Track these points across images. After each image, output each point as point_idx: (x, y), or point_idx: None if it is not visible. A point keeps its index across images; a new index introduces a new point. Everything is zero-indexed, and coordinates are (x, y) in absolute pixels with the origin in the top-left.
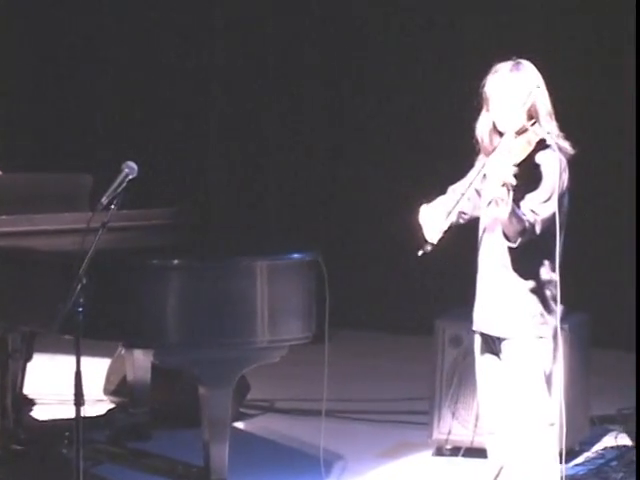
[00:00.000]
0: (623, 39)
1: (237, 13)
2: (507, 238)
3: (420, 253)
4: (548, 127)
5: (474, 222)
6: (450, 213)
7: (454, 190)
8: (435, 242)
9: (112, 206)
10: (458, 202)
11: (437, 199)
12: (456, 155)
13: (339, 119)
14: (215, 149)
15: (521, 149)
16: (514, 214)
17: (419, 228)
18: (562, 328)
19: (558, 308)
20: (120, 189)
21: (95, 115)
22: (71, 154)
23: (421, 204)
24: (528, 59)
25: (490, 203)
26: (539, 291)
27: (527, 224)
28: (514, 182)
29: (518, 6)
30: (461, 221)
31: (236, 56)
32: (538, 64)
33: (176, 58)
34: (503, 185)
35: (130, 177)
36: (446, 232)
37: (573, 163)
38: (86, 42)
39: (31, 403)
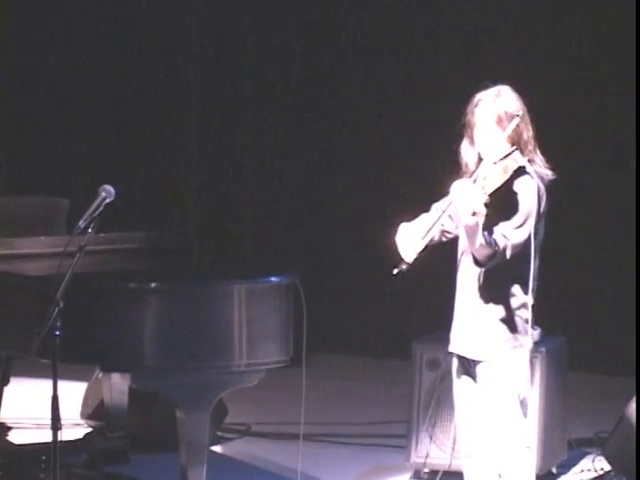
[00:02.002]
0: (613, 57)
1: (214, 29)
2: (476, 261)
3: (395, 272)
4: (529, 154)
5: (452, 244)
6: (425, 235)
7: (437, 208)
8: (410, 262)
9: (89, 230)
10: (433, 225)
11: (418, 217)
12: (436, 177)
13: (317, 142)
14: (192, 173)
15: (497, 177)
16: (484, 240)
17: (396, 247)
18: (539, 351)
19: (529, 331)
20: (97, 213)
21: (73, 138)
22: (48, 178)
23: (401, 225)
24: (509, 84)
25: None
26: (513, 314)
27: (496, 249)
28: (484, 212)
29: (502, 27)
30: (444, 239)
31: (213, 77)
32: (520, 87)
33: (153, 81)
34: (473, 214)
35: (107, 201)
36: (422, 252)
37: (549, 186)
38: (63, 63)
39: (8, 427)
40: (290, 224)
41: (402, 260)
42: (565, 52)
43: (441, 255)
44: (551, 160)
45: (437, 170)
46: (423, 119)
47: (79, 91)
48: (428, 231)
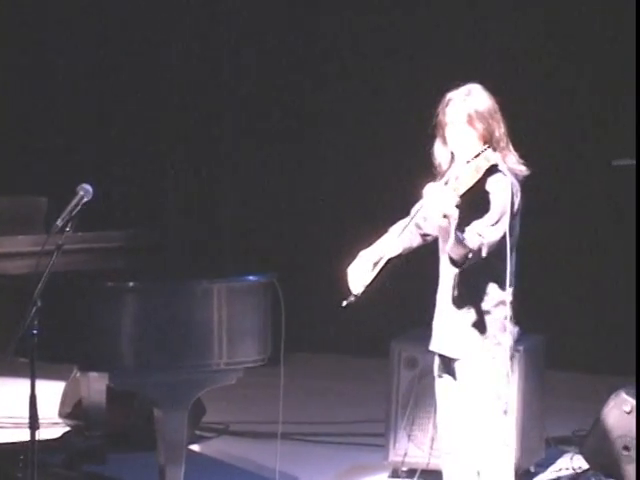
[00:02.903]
0: (610, 51)
1: (193, 31)
2: (452, 261)
3: (344, 304)
4: (502, 151)
5: (432, 243)
6: (375, 266)
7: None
8: (358, 294)
9: (67, 229)
10: (381, 258)
11: (377, 241)
12: (418, 179)
13: (297, 141)
14: (170, 171)
15: (469, 177)
16: (458, 240)
17: (346, 277)
18: (517, 349)
19: (509, 328)
20: (75, 212)
21: (50, 137)
22: (26, 177)
23: (360, 253)
24: (481, 82)
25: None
26: (491, 312)
27: (472, 249)
28: (455, 214)
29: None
30: (424, 242)
31: (192, 77)
32: (495, 85)
33: (132, 79)
34: (444, 217)
35: (85, 199)
36: (370, 285)
37: (525, 183)
38: (41, 63)
39: None
40: (268, 222)
41: (350, 292)
42: (560, 46)
43: (420, 254)
44: (528, 157)
45: (419, 172)
46: (405, 120)
47: (57, 90)
48: (377, 261)
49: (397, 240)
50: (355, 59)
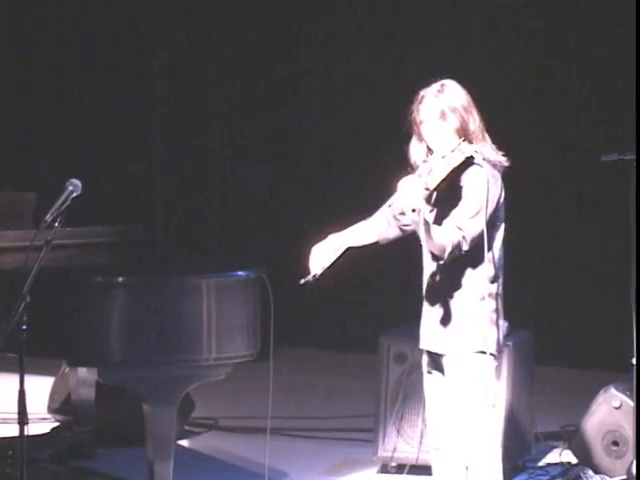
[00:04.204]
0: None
1: (178, 23)
2: (433, 255)
3: (302, 282)
4: (478, 143)
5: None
6: (336, 251)
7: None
8: (317, 274)
9: (56, 224)
10: (343, 244)
11: (348, 228)
12: (401, 174)
13: (283, 134)
14: (159, 167)
15: (441, 170)
16: (427, 234)
17: (309, 255)
18: (506, 345)
19: (496, 321)
20: (64, 207)
21: (39, 133)
22: (14, 172)
23: (329, 236)
24: (454, 77)
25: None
26: (476, 306)
27: (450, 242)
28: (424, 207)
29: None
30: (403, 233)
31: (178, 72)
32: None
33: (118, 74)
34: (413, 211)
35: (74, 194)
36: (330, 267)
37: (508, 178)
38: (28, 58)
39: None
40: (257, 217)
41: (309, 272)
42: (549, 41)
43: (407, 249)
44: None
45: (403, 166)
46: (391, 115)
47: (44, 85)
48: (343, 244)
49: (371, 229)
50: (338, 60)
